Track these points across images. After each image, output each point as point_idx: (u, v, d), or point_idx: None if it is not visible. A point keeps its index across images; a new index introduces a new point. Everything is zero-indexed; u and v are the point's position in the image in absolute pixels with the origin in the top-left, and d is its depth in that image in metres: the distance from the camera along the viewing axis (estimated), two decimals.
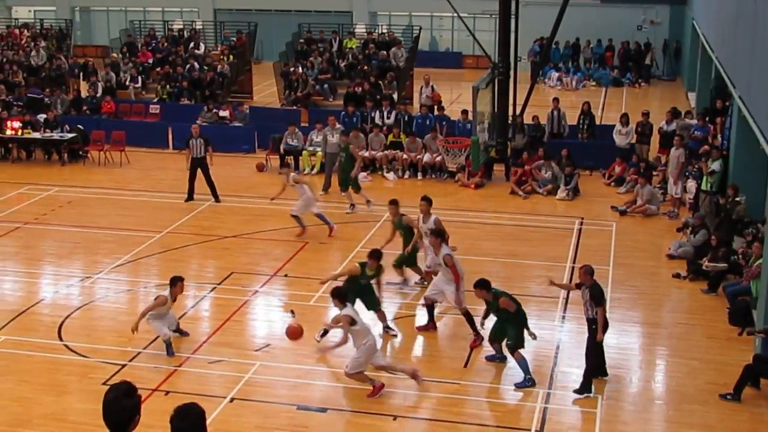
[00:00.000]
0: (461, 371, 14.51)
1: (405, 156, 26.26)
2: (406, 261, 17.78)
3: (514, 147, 26.16)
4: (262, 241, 20.40)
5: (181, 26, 43.11)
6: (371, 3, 47.41)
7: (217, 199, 23.29)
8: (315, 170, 26.36)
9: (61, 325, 16.09)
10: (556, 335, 15.97)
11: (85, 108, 31.87)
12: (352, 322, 13.50)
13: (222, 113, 30.10)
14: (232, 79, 36.32)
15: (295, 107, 32.82)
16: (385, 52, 36.32)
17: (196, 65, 36.02)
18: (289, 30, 40.82)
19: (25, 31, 43.99)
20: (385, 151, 26.55)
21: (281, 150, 26.87)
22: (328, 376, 14.48)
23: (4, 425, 13.00)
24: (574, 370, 14.48)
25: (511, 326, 14.19)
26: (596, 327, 13.60)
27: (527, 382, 13.99)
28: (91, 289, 18.11)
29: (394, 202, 17.95)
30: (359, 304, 15.20)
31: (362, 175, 25.86)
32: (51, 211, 22.77)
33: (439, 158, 25.87)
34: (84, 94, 34.00)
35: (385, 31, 40.79)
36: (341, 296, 13.77)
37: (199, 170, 23.10)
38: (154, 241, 20.55)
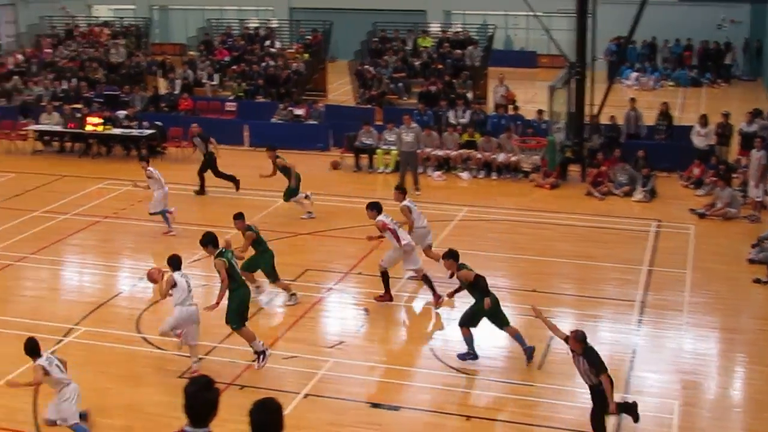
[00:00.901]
0: (535, 372, 14.41)
1: (479, 155, 26.17)
2: (251, 267, 17.01)
3: (590, 147, 25.88)
4: (335, 238, 20.50)
5: (257, 24, 43.48)
6: (446, 2, 47.28)
7: (200, 191, 24.27)
8: (389, 169, 26.37)
9: (139, 318, 16.36)
10: (632, 339, 15.77)
11: (163, 105, 32.34)
12: (174, 283, 14.18)
13: (297, 111, 30.28)
14: (307, 77, 36.53)
15: (369, 106, 32.89)
16: (459, 51, 36.22)
17: (272, 63, 36.33)
18: (364, 28, 40.86)
19: (105, 29, 44.75)
20: (460, 151, 26.47)
21: (355, 148, 26.97)
22: (401, 374, 14.48)
23: None
24: (650, 375, 14.35)
25: (474, 304, 14.62)
26: (602, 394, 11.97)
27: (468, 356, 14.53)
28: None
29: (238, 216, 17.09)
30: None
31: (436, 174, 25.85)
32: (129, 206, 23.13)
33: (514, 158, 25.74)
34: (162, 91, 34.52)
35: (459, 29, 40.69)
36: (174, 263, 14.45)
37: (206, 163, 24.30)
38: (229, 238, 20.68)
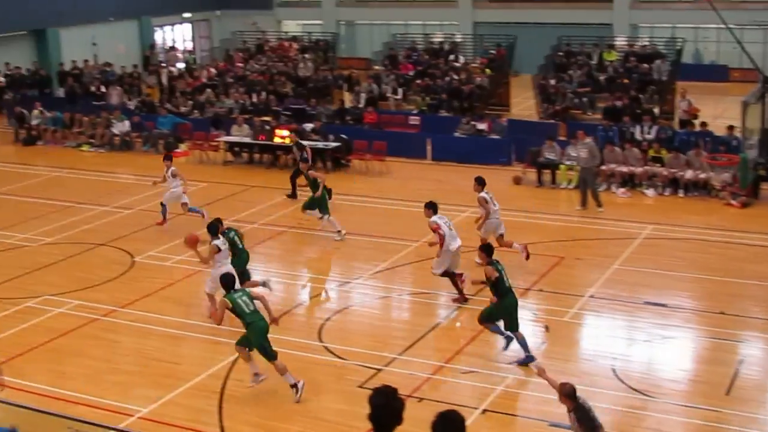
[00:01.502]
0: (722, 398, 13.88)
1: (666, 172, 25.46)
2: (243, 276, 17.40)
3: None
4: (517, 254, 20.34)
5: (441, 39, 43.77)
6: (632, 15, 46.34)
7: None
8: (572, 184, 25.95)
9: (321, 327, 16.68)
10: None
11: (348, 118, 32.92)
12: (218, 249, 16.69)
13: (480, 125, 30.26)
14: (490, 91, 36.51)
15: (552, 120, 32.55)
16: (646, 65, 35.45)
17: (456, 77, 36.48)
18: (548, 43, 40.53)
19: (294, 44, 46.04)
20: (645, 167, 25.83)
21: (538, 163, 26.72)
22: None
23: (264, 419, 13.65)
24: None
25: (495, 303, 15.12)
26: None
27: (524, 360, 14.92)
28: (349, 294, 18.67)
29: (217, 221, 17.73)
30: None
31: (620, 191, 25.30)
32: (315, 217, 23.58)
33: (702, 175, 24.93)
34: (347, 104, 35.17)
35: (646, 43, 39.82)
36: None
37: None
38: (411, 250, 20.90)
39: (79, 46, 44.47)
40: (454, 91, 35.29)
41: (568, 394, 11.26)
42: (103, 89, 38.79)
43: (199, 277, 19.67)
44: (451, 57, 39.98)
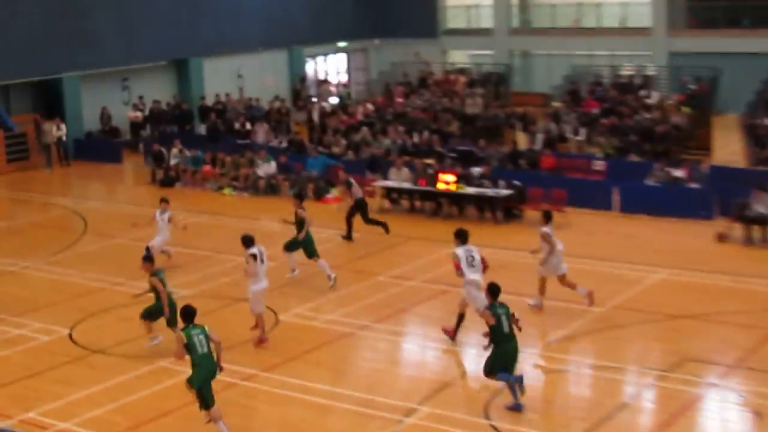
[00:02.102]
0: None
1: None
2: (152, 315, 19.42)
3: None
4: (722, 324, 19.72)
5: (631, 72, 43.29)
6: None
7: (347, 237, 26.90)
8: None
9: (488, 404, 16.46)
10: None
11: (522, 162, 32.78)
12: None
13: (676, 173, 29.64)
14: (689, 133, 35.83)
15: (764, 168, 31.62)
16: None
17: (648, 116, 35.95)
18: (759, 76, 39.60)
19: (461, 77, 46.33)
20: None
21: (746, 218, 25.92)
22: None
23: None
24: None
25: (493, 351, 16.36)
26: None
27: (515, 408, 16.02)
28: (521, 366, 18.35)
29: (147, 259, 19.75)
30: None
31: None
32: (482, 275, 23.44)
33: None
34: (521, 146, 35.02)
35: None
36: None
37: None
38: (593, 316, 20.49)
39: (223, 77, 45.84)
40: (645, 133, 34.80)
41: None
42: (248, 126, 39.83)
43: (353, 340, 19.81)
44: (643, 92, 39.57)
